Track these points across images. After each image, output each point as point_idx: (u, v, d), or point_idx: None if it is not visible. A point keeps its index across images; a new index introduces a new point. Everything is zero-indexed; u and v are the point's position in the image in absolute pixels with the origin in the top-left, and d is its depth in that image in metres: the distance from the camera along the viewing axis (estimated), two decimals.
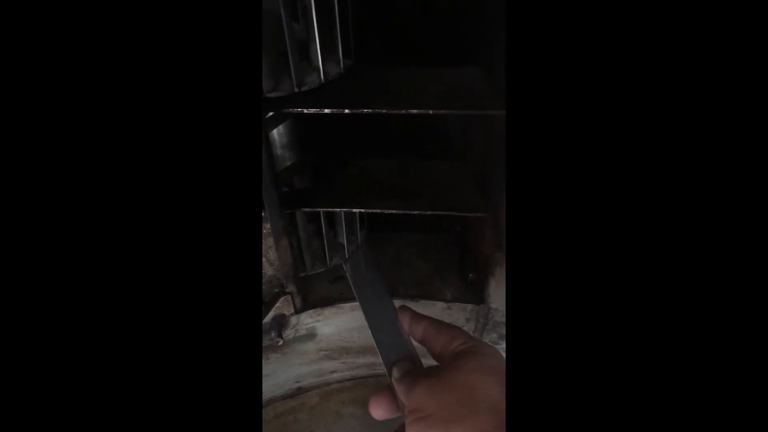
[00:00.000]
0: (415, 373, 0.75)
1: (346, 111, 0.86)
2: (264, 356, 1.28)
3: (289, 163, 1.19)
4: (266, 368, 1.32)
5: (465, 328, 1.30)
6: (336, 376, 1.43)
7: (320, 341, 1.32)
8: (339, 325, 1.29)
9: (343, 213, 1.23)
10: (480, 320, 1.26)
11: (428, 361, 0.80)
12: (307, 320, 1.25)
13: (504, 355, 0.66)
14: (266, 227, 1.10)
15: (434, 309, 1.25)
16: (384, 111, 0.86)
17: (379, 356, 0.88)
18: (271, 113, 0.91)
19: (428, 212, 1.07)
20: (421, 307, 1.25)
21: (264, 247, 1.15)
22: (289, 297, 1.17)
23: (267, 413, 1.43)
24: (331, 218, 1.28)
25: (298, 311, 1.20)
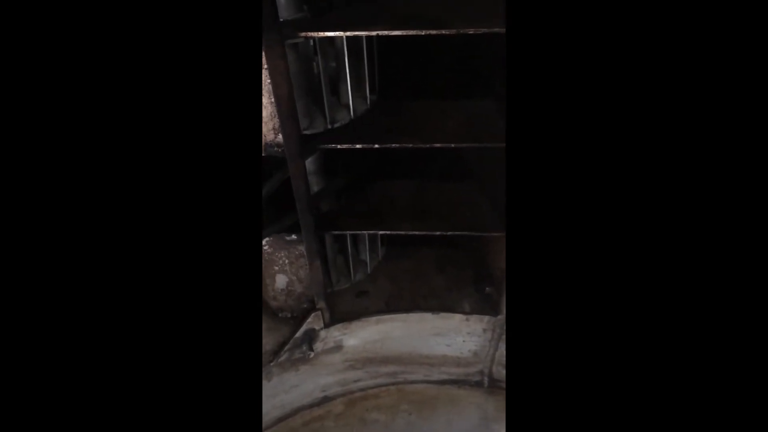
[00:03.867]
0: None
1: (376, 146, 0.95)
2: (294, 368, 1.36)
3: (316, 189, 1.28)
4: (295, 379, 1.40)
5: (482, 338, 1.39)
6: (360, 384, 1.51)
7: (346, 352, 1.40)
8: (364, 336, 1.37)
9: (366, 233, 1.32)
10: (496, 330, 1.34)
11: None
12: (335, 333, 1.34)
13: None
14: (298, 249, 1.19)
15: (453, 321, 1.33)
16: (410, 145, 0.95)
17: None
18: (306, 148, 1.00)
19: (448, 233, 1.16)
20: (441, 319, 1.34)
21: (295, 266, 1.24)
22: (319, 313, 1.25)
23: (295, 421, 1.51)
24: (354, 237, 1.37)
25: (327, 325, 1.29)
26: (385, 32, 0.79)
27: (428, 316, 1.33)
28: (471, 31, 0.78)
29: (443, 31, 0.78)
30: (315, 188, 1.27)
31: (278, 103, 0.83)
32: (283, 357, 1.30)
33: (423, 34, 0.79)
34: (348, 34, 0.81)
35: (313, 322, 1.27)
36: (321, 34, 0.82)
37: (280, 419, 1.48)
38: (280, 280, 1.27)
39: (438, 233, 1.14)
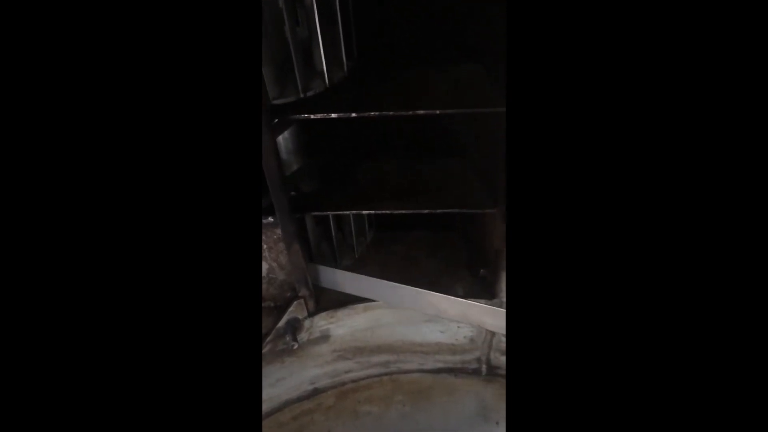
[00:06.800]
0: None
1: (353, 115, 0.87)
2: (279, 360, 1.29)
3: (296, 168, 1.19)
4: (281, 372, 1.33)
5: None
6: (351, 375, 1.43)
7: (334, 342, 1.32)
8: (352, 325, 1.29)
9: (351, 215, 1.24)
10: None
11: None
12: (321, 322, 1.26)
13: None
14: (276, 232, 1.11)
15: None
16: (391, 113, 0.86)
17: None
18: (276, 120, 0.91)
19: (437, 210, 1.08)
20: None
21: (275, 252, 1.16)
22: (301, 301, 1.17)
23: (284, 415, 1.44)
24: (339, 220, 1.28)
25: (311, 314, 1.21)
26: None
27: None
28: None
29: None
30: (295, 167, 1.18)
31: None
32: (266, 349, 1.22)
33: None
34: None
35: (295, 311, 1.19)
36: None
37: (268, 414, 1.41)
38: None
39: (426, 211, 1.06)
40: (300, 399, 1.43)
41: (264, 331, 1.22)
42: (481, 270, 1.24)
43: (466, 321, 1.17)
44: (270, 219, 1.07)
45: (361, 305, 1.24)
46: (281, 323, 1.19)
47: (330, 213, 1.12)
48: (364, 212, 1.12)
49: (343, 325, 1.28)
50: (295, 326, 1.20)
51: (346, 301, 1.25)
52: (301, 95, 0.91)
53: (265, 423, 1.41)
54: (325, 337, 1.30)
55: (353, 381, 1.45)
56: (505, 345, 1.35)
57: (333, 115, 0.87)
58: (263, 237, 1.12)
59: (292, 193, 1.18)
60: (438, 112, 0.86)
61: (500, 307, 1.22)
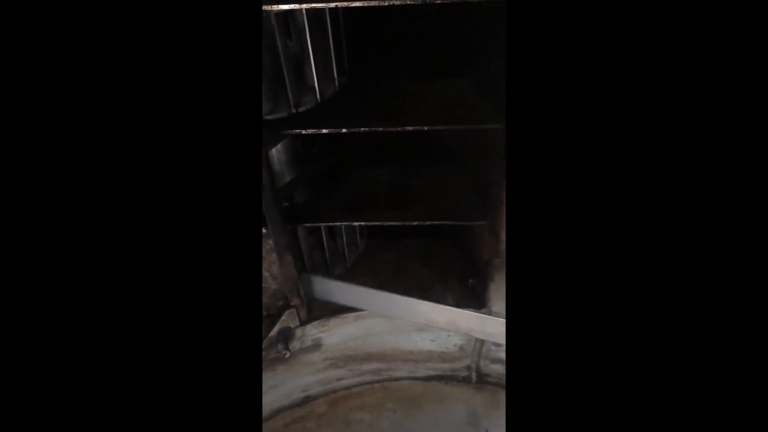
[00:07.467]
0: None
1: (344, 131, 0.88)
2: (271, 368, 1.30)
3: (288, 179, 1.20)
4: (274, 379, 1.34)
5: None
6: (343, 383, 1.45)
7: (326, 351, 1.34)
8: (344, 334, 1.31)
9: (343, 225, 1.25)
10: None
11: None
12: (313, 331, 1.27)
13: None
14: (269, 243, 1.12)
15: None
16: (381, 129, 0.88)
17: None
18: (269, 135, 0.93)
19: (427, 222, 1.10)
20: None
21: (267, 262, 1.17)
22: (293, 310, 1.19)
23: (276, 422, 1.45)
24: (331, 229, 1.30)
25: (303, 323, 1.22)
26: (344, 4, 0.72)
27: None
28: (438, 0, 0.71)
29: (408, 1, 0.71)
30: (288, 178, 1.20)
31: None
32: None
33: (386, 5, 0.72)
34: (305, 6, 0.74)
35: (287, 320, 1.20)
36: (276, 7, 0.74)
37: (261, 421, 1.42)
38: None
39: (416, 223, 1.08)
40: (292, 406, 1.44)
41: None
42: (470, 280, 1.26)
43: (456, 329, 1.18)
44: (262, 230, 1.08)
45: (353, 314, 1.26)
46: (273, 332, 1.20)
47: (322, 224, 1.14)
48: (355, 223, 1.14)
49: (334, 333, 1.30)
50: (287, 335, 1.22)
51: (338, 310, 1.26)
52: (293, 110, 0.93)
53: None
54: (317, 346, 1.31)
55: (345, 388, 1.46)
56: (494, 353, 1.36)
57: (324, 131, 0.88)
58: None
59: (285, 204, 1.20)
60: (426, 128, 0.87)
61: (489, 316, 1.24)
